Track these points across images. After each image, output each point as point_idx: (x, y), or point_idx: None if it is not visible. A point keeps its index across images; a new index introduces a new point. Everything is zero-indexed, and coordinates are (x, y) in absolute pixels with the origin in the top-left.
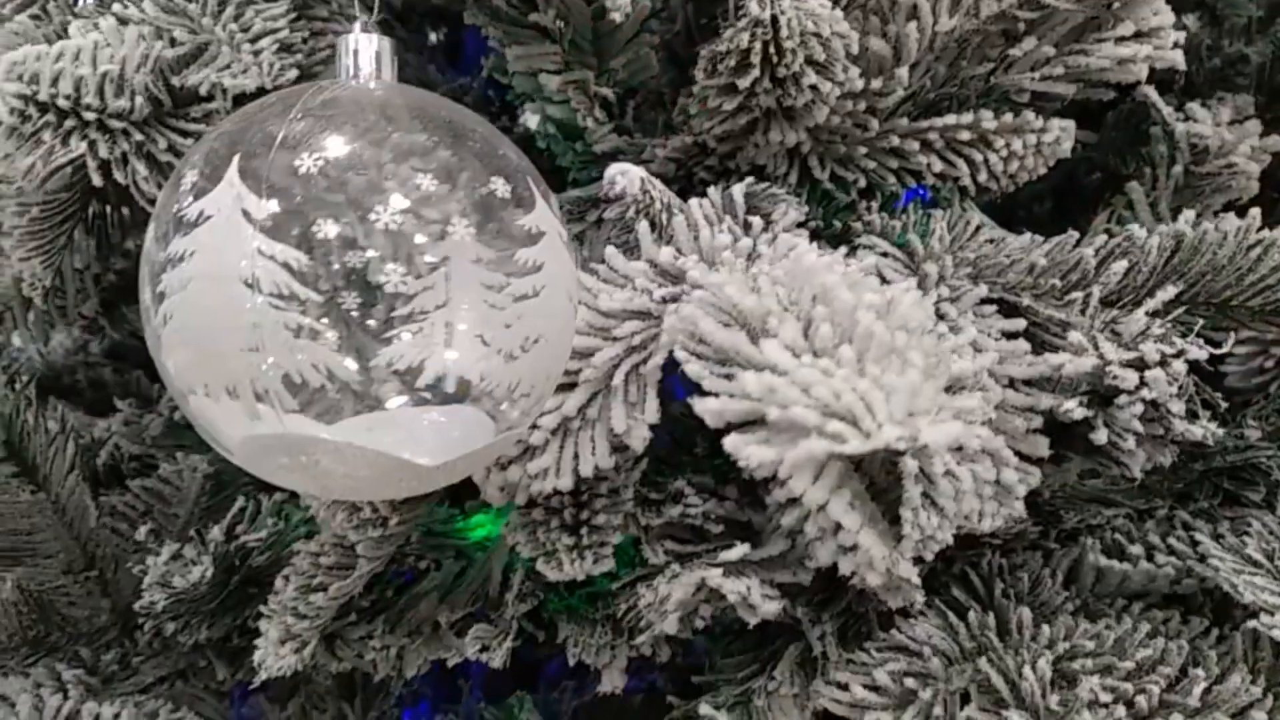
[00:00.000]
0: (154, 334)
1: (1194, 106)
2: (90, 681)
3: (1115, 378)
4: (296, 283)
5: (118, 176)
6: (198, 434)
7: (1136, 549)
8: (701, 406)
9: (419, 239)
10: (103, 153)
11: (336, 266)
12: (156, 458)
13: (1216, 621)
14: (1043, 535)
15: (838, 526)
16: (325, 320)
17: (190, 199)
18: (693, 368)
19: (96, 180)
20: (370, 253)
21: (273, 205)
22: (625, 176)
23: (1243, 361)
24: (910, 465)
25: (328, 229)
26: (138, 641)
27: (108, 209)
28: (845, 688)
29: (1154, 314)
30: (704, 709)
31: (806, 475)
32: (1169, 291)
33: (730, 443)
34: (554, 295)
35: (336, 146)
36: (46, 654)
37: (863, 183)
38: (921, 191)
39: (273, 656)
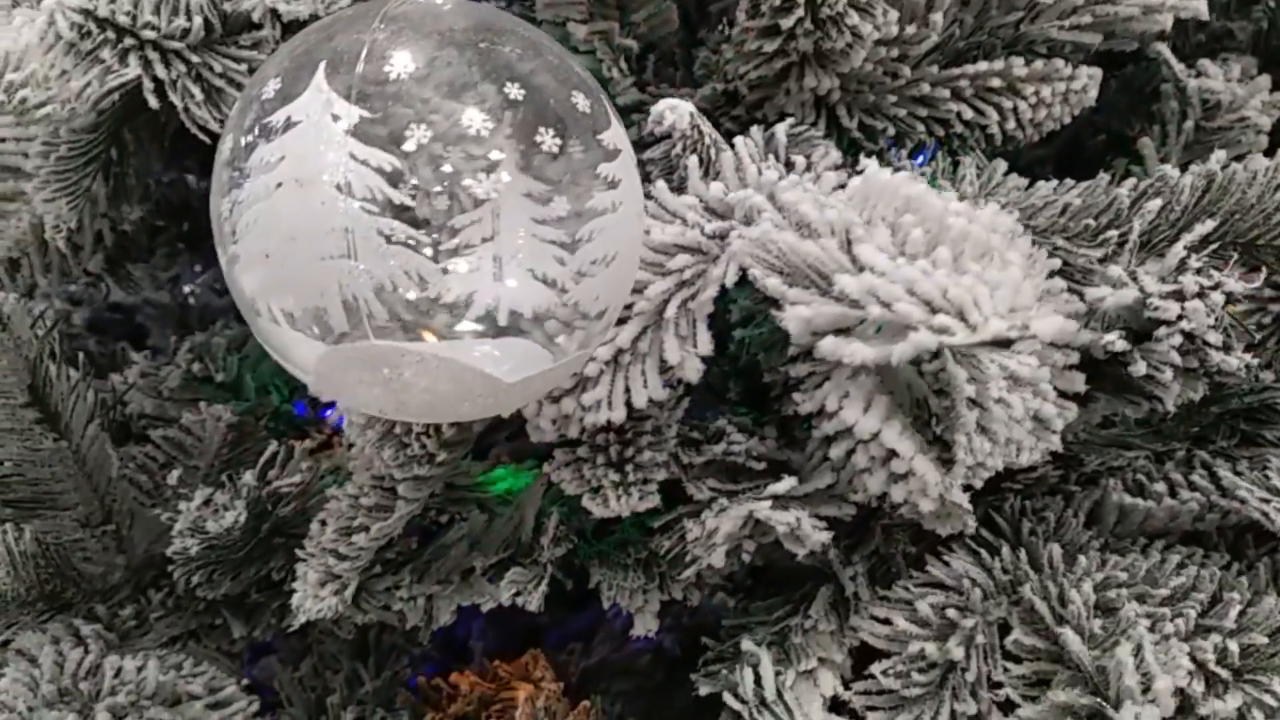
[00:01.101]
0: (231, 248)
1: (1205, 63)
2: (108, 637)
3: (1156, 309)
4: (389, 187)
5: (173, 99)
6: (214, 387)
7: (1160, 486)
8: (792, 313)
9: (503, 150)
10: (159, 73)
11: (427, 174)
12: (161, 420)
13: (1235, 559)
14: (1063, 479)
15: (890, 455)
16: (417, 227)
17: (274, 106)
18: (772, 282)
19: (153, 103)
20: (458, 162)
21: (362, 111)
22: (674, 112)
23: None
24: (967, 389)
25: (419, 135)
26: (150, 600)
27: (126, 154)
28: (887, 622)
29: (1191, 249)
30: (745, 644)
31: (858, 405)
32: (1207, 225)
33: (827, 345)
34: (630, 212)
35: (422, 56)
36: (61, 610)
37: (891, 132)
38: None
39: (311, 599)
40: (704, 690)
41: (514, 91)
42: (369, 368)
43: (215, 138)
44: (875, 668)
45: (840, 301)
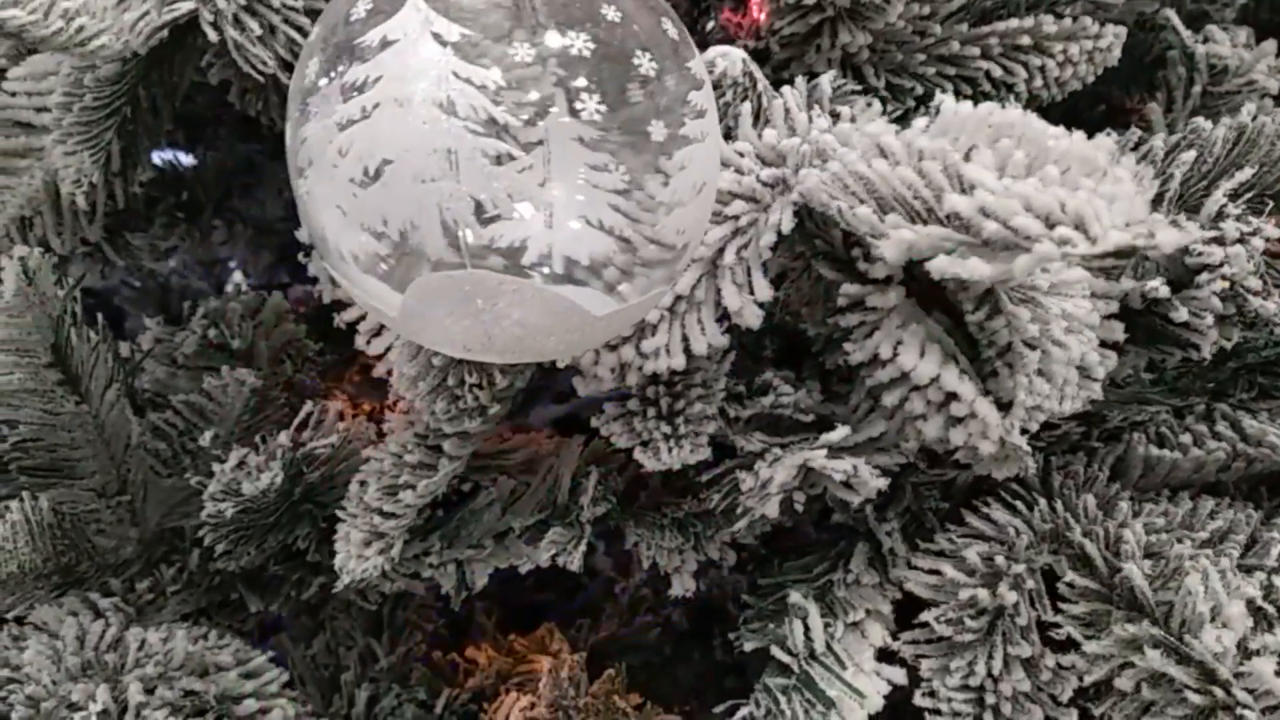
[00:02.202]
0: (311, 178)
1: (1212, 29)
2: (127, 610)
3: (1199, 255)
4: (493, 106)
5: (230, 34)
6: (228, 355)
7: (1186, 438)
8: (895, 237)
9: (609, 70)
10: (220, 4)
11: (532, 94)
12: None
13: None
14: (1084, 436)
15: (948, 399)
16: (522, 148)
17: (367, 26)
18: (863, 211)
19: (212, 36)
20: (564, 81)
21: (463, 29)
22: (726, 59)
23: None
24: (1030, 329)
25: (522, 53)
26: (161, 575)
27: (140, 111)
28: (935, 572)
29: (1230, 196)
30: (793, 598)
31: (914, 351)
32: (1245, 173)
33: (939, 264)
34: (714, 144)
35: None
36: (74, 584)
37: (919, 91)
38: None
39: (355, 559)
40: (749, 646)
41: (610, 13)
42: (462, 298)
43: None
44: (927, 615)
45: (947, 223)
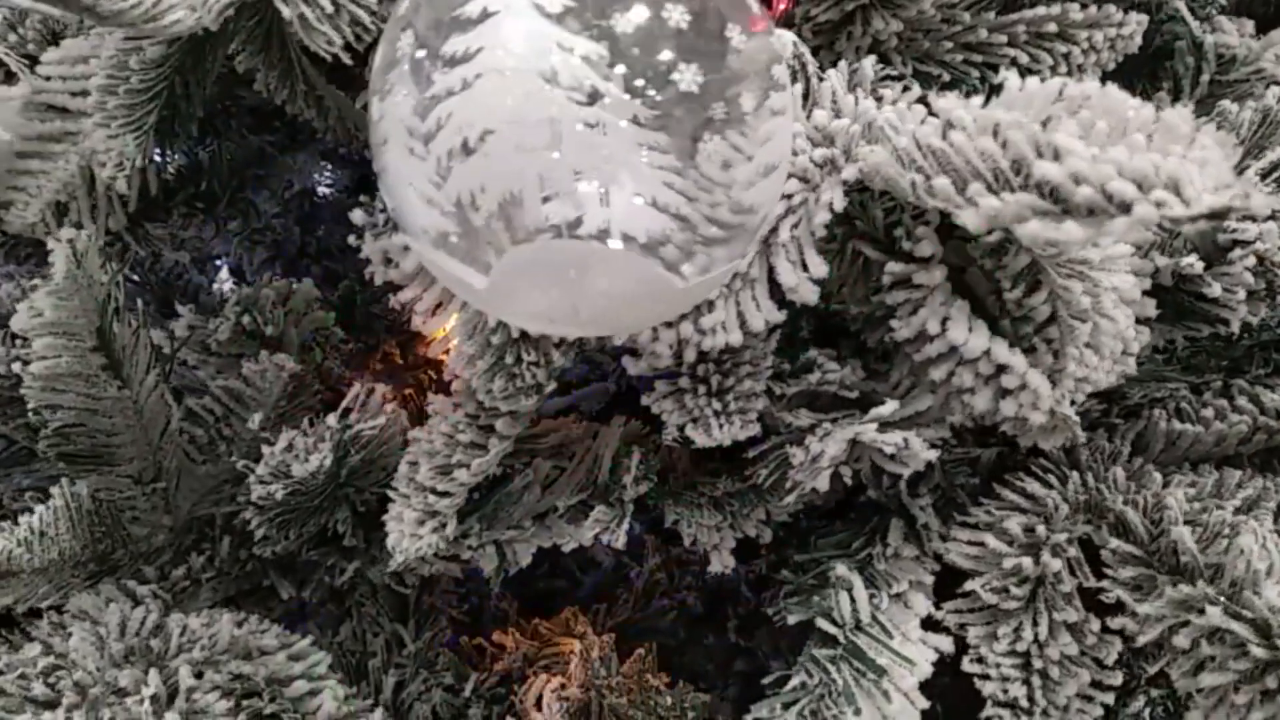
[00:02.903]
0: (403, 148)
1: (1221, 19)
2: (165, 597)
3: (1233, 231)
4: (598, 77)
5: (305, 11)
6: (259, 342)
7: (1208, 412)
8: (984, 205)
9: (704, 42)
10: None
11: (637, 64)
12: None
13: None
14: (1105, 414)
15: (998, 370)
16: (625, 118)
17: None
18: (941, 183)
19: (286, 12)
20: (662, 54)
21: (565, 0)
22: (778, 41)
23: None
24: (1083, 301)
25: (624, 23)
26: (192, 563)
27: (174, 97)
28: (977, 544)
29: (1263, 174)
30: (839, 570)
31: (962, 326)
32: (1275, 153)
33: (1030, 229)
34: (790, 117)
35: None
36: (109, 572)
37: (945, 78)
38: None
39: (409, 539)
40: (793, 619)
41: None
42: (554, 269)
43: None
44: (972, 584)
45: (1034, 190)
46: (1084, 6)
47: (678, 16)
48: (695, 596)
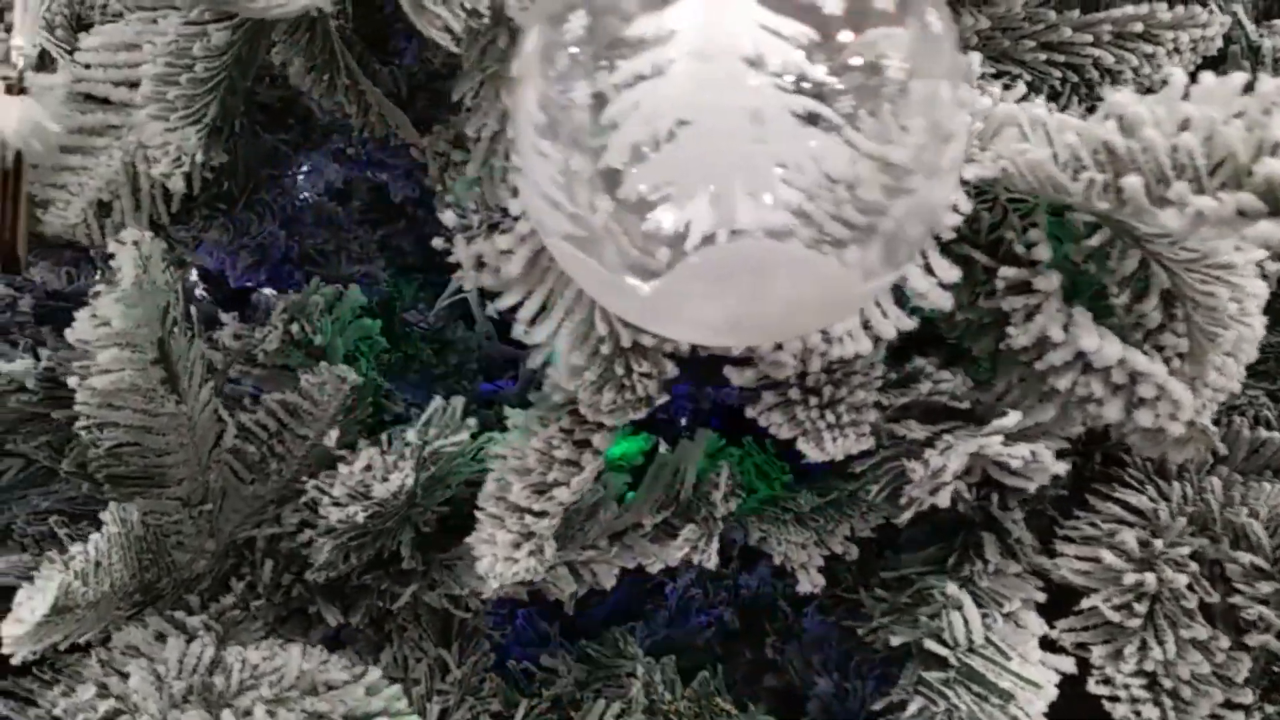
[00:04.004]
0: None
1: (1277, 23)
2: (216, 629)
3: None
4: (806, 62)
5: None
6: (303, 352)
7: None
8: (1196, 207)
9: (913, 26)
10: None
11: (844, 48)
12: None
13: None
14: None
15: (1133, 379)
16: (834, 106)
17: None
18: (1133, 181)
19: None
20: (874, 39)
21: None
22: None
23: None
24: (1231, 307)
25: (831, 3)
26: (233, 589)
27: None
28: (1091, 559)
29: None
30: (949, 589)
31: (1092, 333)
32: None
33: (1263, 230)
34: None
35: None
36: (152, 602)
37: (1026, 78)
38: None
39: (503, 563)
40: (895, 641)
41: None
42: (733, 272)
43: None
44: (1090, 601)
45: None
46: (1171, 6)
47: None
48: (732, 612)
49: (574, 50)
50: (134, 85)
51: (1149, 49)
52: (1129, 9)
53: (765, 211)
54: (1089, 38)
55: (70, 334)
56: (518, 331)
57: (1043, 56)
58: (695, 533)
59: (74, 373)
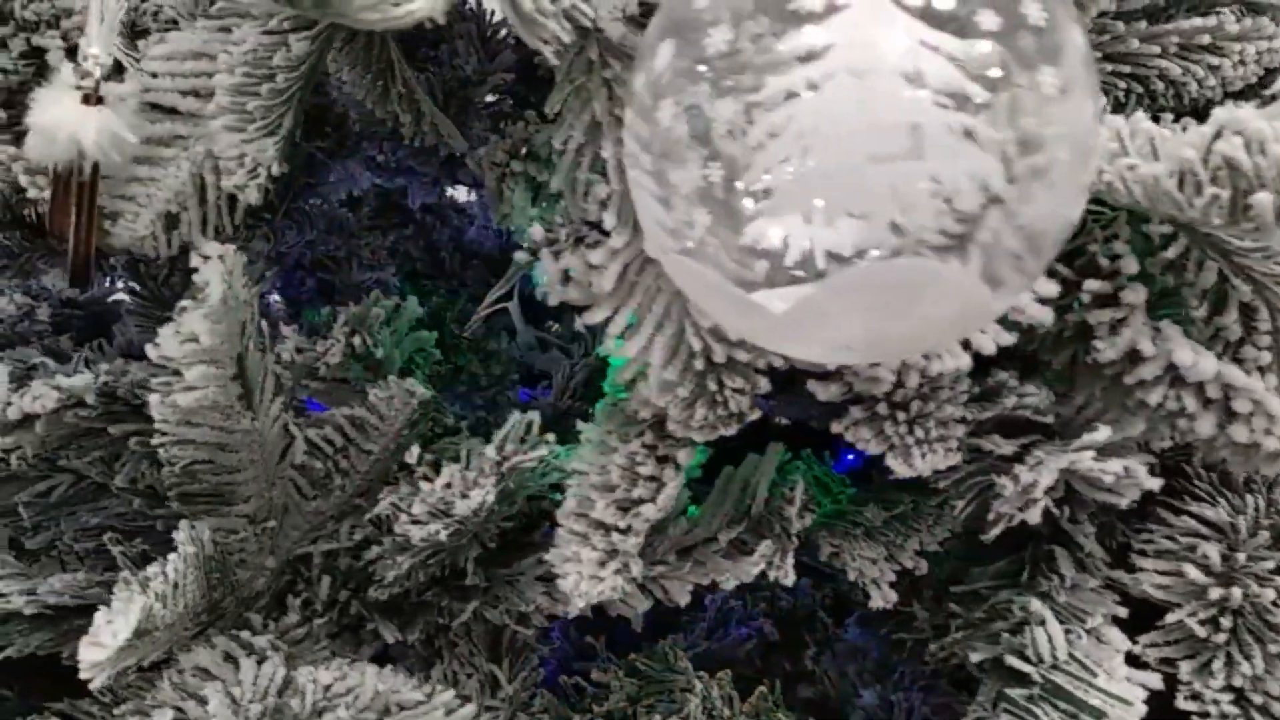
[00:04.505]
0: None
1: None
2: (284, 648)
3: None
4: (966, 78)
5: (538, 3)
6: (362, 365)
7: None
8: None
9: (1060, 42)
10: None
11: (1002, 67)
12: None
13: None
14: None
15: (1227, 393)
16: (991, 124)
17: None
18: (1264, 198)
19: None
20: (1028, 51)
21: None
22: None
23: None
24: None
25: (987, 19)
26: (289, 606)
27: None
28: (1173, 573)
29: None
30: (1033, 605)
31: (1184, 347)
32: None
33: None
34: None
35: None
36: (214, 621)
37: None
38: None
39: (588, 581)
40: (976, 657)
41: None
42: (880, 290)
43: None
44: (1174, 616)
45: None
46: (1239, 19)
47: (1036, 13)
48: (772, 624)
49: (716, 66)
50: (202, 95)
51: (1214, 60)
52: (1196, 21)
53: (917, 229)
54: (1156, 49)
55: (153, 350)
56: (608, 347)
57: (1109, 68)
58: (770, 548)
59: (153, 389)
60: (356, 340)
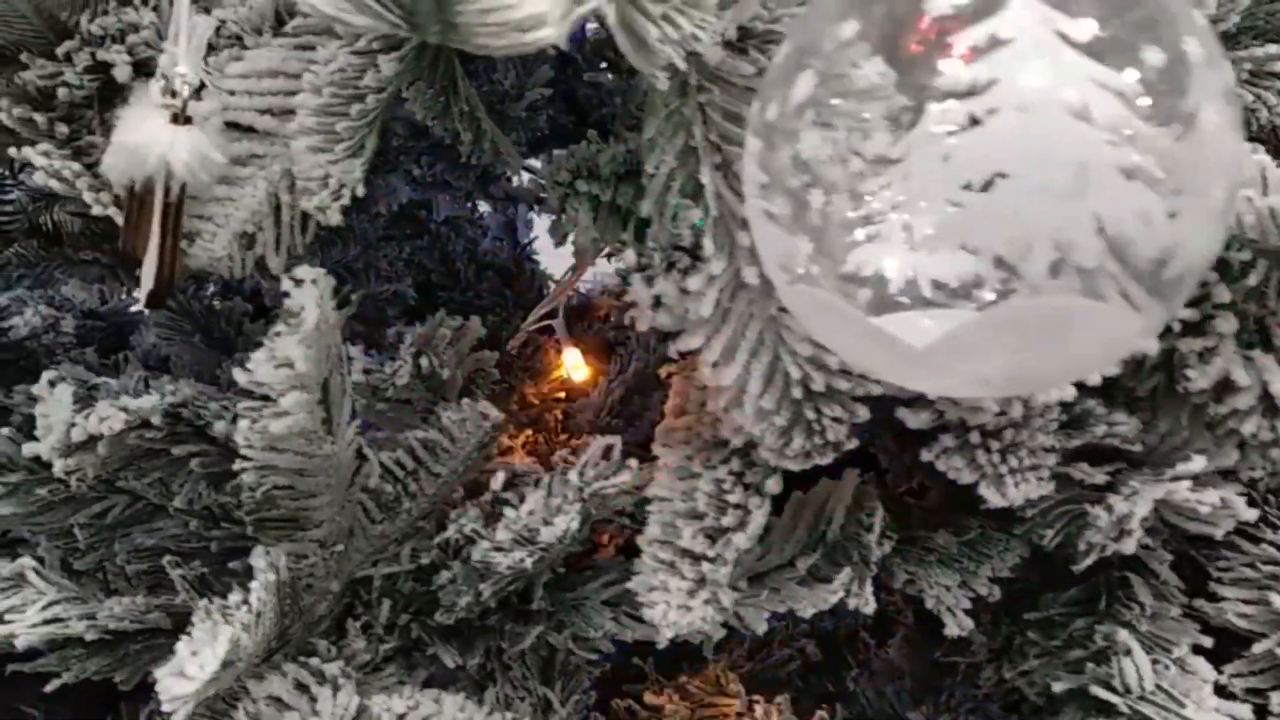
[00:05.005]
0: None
1: None
2: (354, 675)
3: None
4: (1133, 115)
5: (659, 30)
6: (425, 386)
7: None
8: None
9: (1218, 78)
10: None
11: (1167, 103)
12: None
13: None
14: None
15: None
16: (1156, 162)
17: (962, 23)
18: None
19: (652, 34)
20: (1191, 89)
21: (1095, 27)
22: None
23: None
24: None
25: (1153, 55)
26: (348, 630)
27: None
28: (1260, 602)
29: None
30: (1120, 635)
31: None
32: None
33: None
34: None
35: None
36: (281, 647)
37: None
38: None
39: (677, 611)
40: (1058, 687)
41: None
42: (1030, 326)
43: None
44: (1262, 646)
45: None
46: None
47: (1195, 49)
48: (815, 645)
49: (867, 99)
50: (279, 113)
51: None
52: (1271, 48)
53: (1076, 267)
54: None
55: (242, 375)
56: (704, 374)
57: None
58: (849, 576)
59: (244, 415)
60: (424, 361)
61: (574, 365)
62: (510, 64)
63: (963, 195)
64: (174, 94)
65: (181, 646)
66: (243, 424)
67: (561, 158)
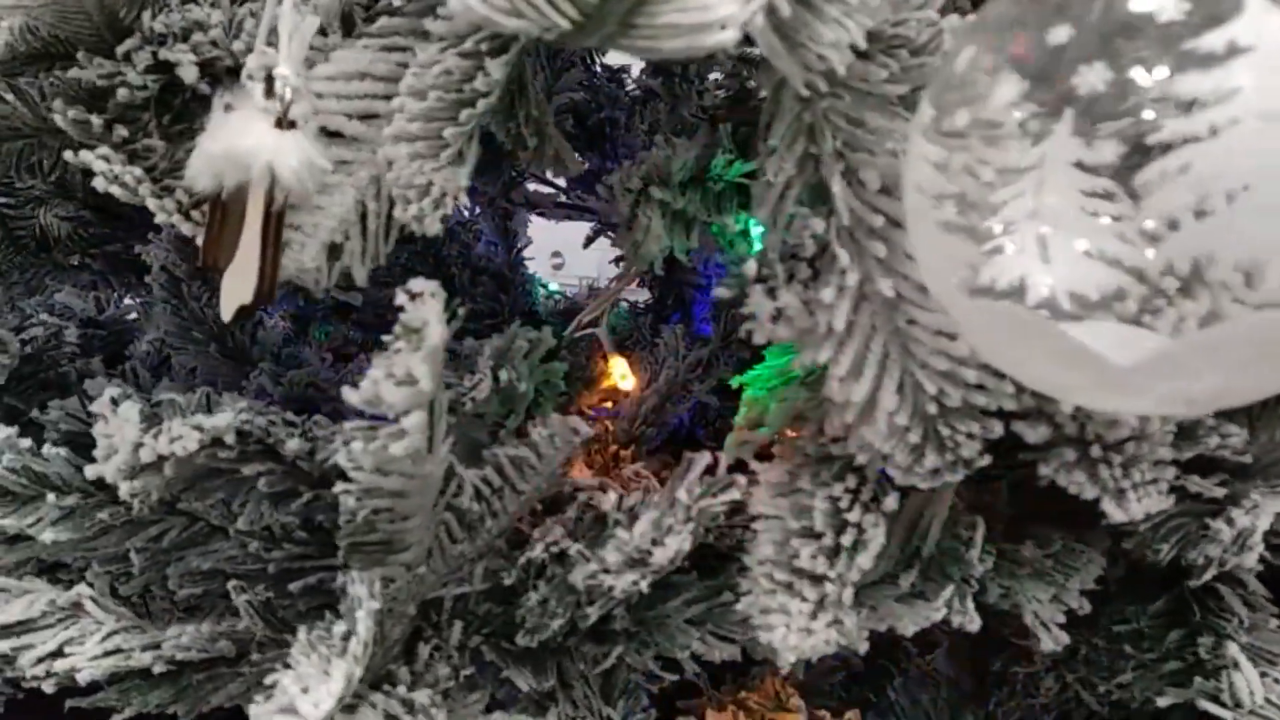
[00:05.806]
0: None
1: None
2: (442, 705)
3: None
4: None
5: (775, 43)
6: (500, 400)
7: None
8: None
9: None
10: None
11: None
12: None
13: None
14: None
15: None
16: None
17: (1195, 29)
18: None
19: (824, 48)
20: None
21: None
22: None
23: None
24: None
25: None
26: (417, 656)
27: None
28: None
29: None
30: (1230, 649)
31: None
32: None
33: None
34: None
35: None
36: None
37: None
38: None
39: (797, 634)
40: (1164, 702)
41: None
42: (1242, 347)
43: None
44: None
45: None
46: None
47: None
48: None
49: (1090, 107)
50: (368, 117)
51: None
52: None
53: None
54: None
55: (353, 396)
56: (831, 389)
57: None
58: (953, 593)
59: (356, 437)
60: (502, 374)
61: (622, 374)
62: (539, 66)
63: (1202, 207)
64: (277, 98)
65: (289, 683)
66: (355, 446)
67: (630, 164)
